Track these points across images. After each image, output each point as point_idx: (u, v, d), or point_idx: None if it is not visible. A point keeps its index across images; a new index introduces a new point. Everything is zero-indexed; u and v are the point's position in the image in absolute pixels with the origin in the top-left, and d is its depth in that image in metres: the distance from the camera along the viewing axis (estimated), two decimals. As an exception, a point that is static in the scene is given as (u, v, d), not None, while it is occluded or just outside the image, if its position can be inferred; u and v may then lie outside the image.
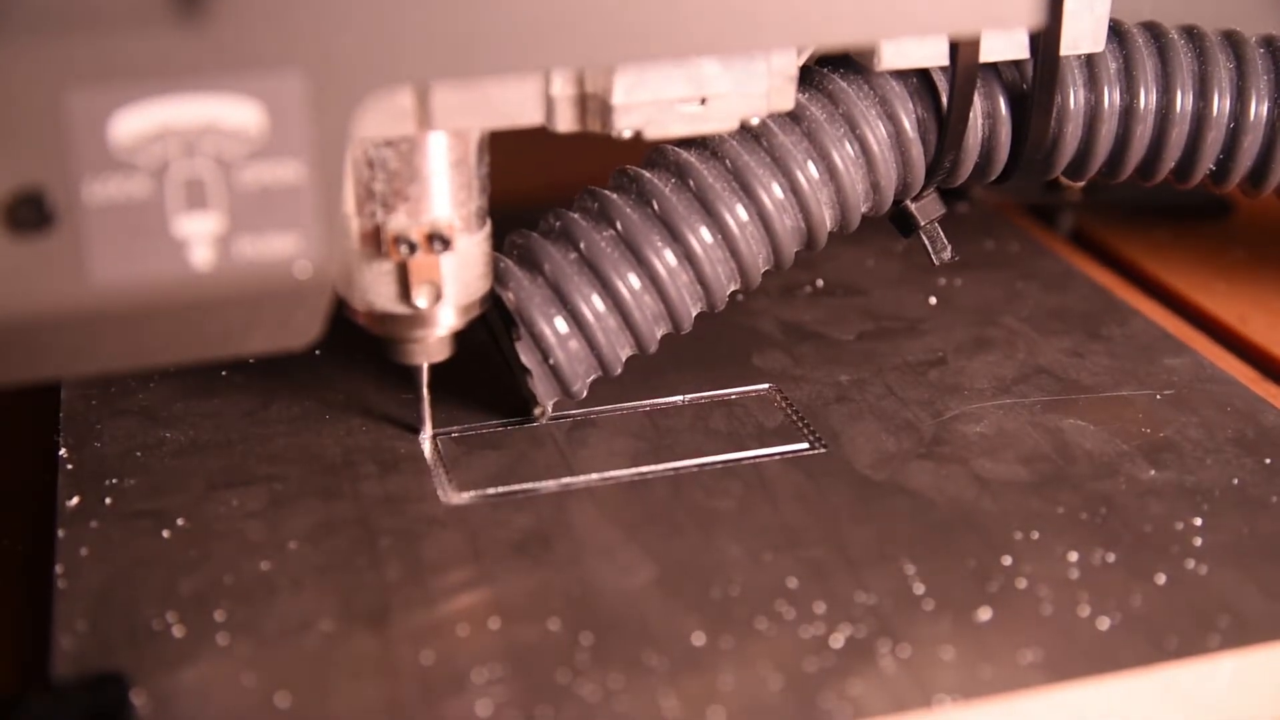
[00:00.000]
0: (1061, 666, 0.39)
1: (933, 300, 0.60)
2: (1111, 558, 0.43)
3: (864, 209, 0.50)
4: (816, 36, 0.39)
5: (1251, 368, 0.57)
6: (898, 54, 0.47)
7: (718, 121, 0.44)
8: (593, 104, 0.42)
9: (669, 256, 0.48)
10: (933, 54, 0.47)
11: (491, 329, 0.51)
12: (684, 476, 0.47)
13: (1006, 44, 0.48)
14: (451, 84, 0.40)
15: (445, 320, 0.46)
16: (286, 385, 0.52)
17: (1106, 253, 0.68)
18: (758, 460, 0.48)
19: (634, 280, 0.48)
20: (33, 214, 0.34)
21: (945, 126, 0.49)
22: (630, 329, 0.48)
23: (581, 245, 0.48)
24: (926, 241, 0.53)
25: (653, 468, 0.48)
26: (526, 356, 0.48)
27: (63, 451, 0.48)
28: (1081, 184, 0.66)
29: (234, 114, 0.35)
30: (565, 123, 0.43)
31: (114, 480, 0.47)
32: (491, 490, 0.47)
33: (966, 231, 0.66)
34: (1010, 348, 0.56)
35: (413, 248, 0.44)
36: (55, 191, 0.34)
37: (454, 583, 0.42)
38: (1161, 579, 0.42)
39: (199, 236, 0.36)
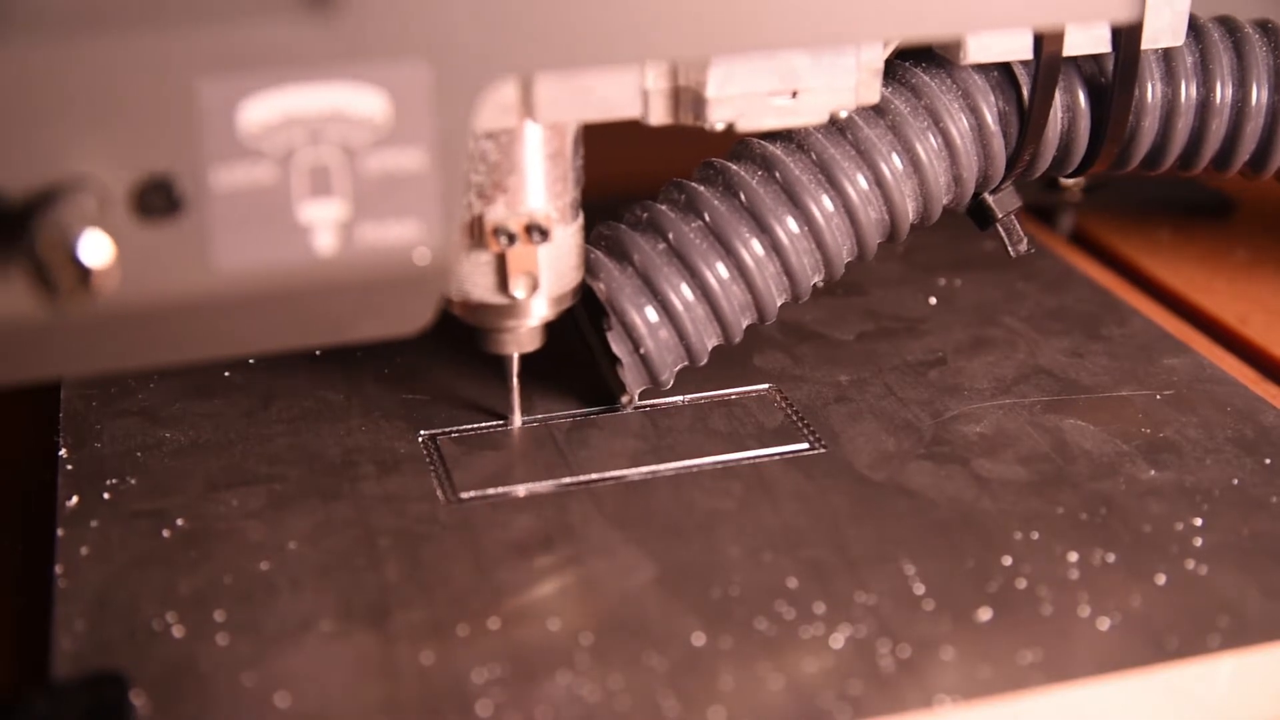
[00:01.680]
0: (1061, 666, 0.39)
1: (933, 300, 0.60)
2: (1111, 558, 0.43)
3: (945, 200, 0.51)
4: (908, 29, 0.40)
5: (1251, 368, 0.57)
6: (983, 48, 0.48)
7: (808, 114, 0.44)
8: (685, 97, 0.43)
9: (756, 247, 0.48)
10: (1017, 47, 0.48)
11: (577, 320, 0.52)
12: (684, 476, 0.47)
13: (1089, 38, 0.49)
14: (555, 76, 0.41)
15: (538, 311, 0.47)
16: (286, 385, 0.52)
17: (1106, 253, 0.68)
18: (758, 460, 0.48)
19: (722, 270, 0.48)
20: (162, 200, 0.35)
21: (1026, 119, 0.50)
22: (718, 319, 0.49)
23: (670, 236, 0.48)
24: (1003, 233, 0.53)
25: (653, 468, 0.48)
26: (617, 346, 0.49)
27: (63, 451, 0.48)
28: (1082, 184, 0.66)
29: (360, 103, 0.35)
30: (658, 115, 0.44)
31: (114, 480, 0.47)
32: (491, 490, 0.47)
33: (966, 231, 0.66)
34: (1010, 348, 0.56)
35: (511, 238, 0.44)
36: (184, 178, 0.35)
37: (454, 583, 0.42)
38: (1161, 579, 0.42)
39: (322, 223, 0.37)
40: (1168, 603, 0.41)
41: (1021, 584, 0.42)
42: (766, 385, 0.53)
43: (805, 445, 0.49)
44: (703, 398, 0.52)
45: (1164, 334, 0.57)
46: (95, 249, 0.32)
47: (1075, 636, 0.40)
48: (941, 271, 0.62)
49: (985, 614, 0.41)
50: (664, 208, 0.49)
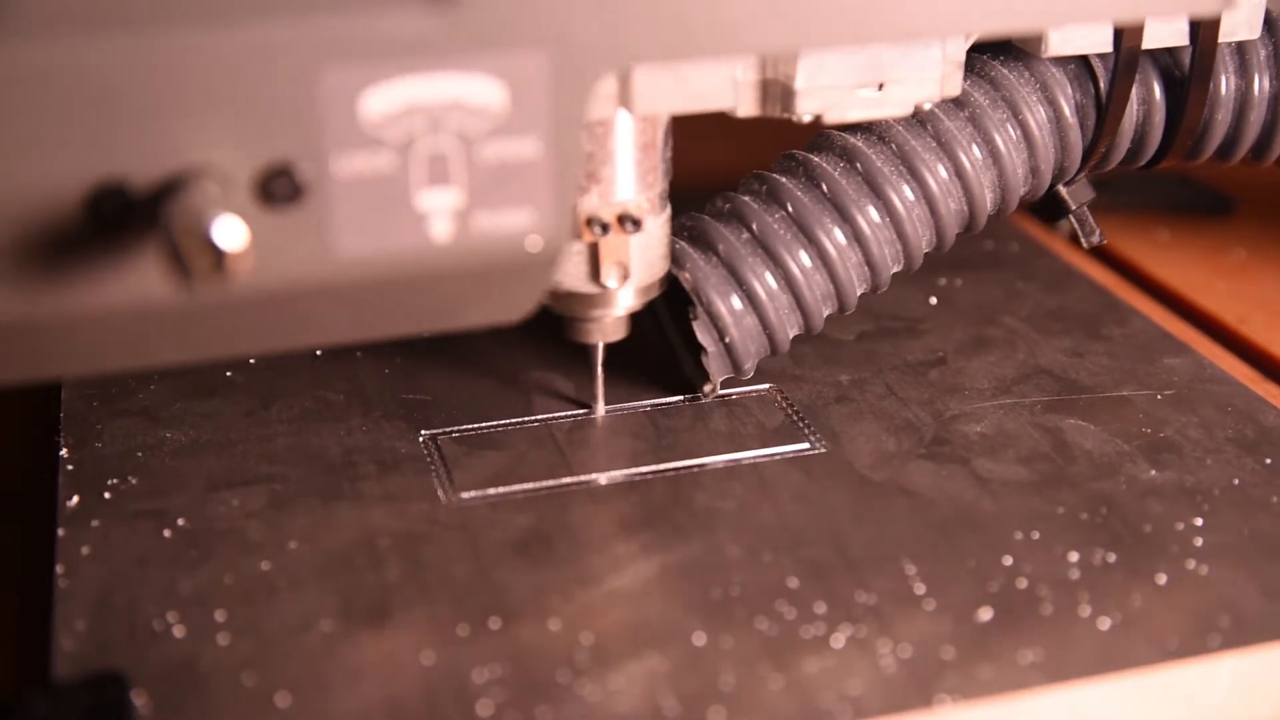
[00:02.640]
0: (1061, 666, 0.39)
1: (933, 300, 0.60)
2: (1111, 558, 0.43)
3: (1022, 191, 0.51)
4: (996, 23, 0.40)
5: (1251, 368, 0.57)
6: (1064, 40, 0.49)
7: (894, 106, 0.45)
8: (774, 89, 0.44)
9: (839, 236, 0.49)
10: (1097, 40, 0.49)
11: (655, 312, 0.53)
12: (684, 476, 0.47)
13: (1168, 31, 0.49)
14: (653, 68, 0.42)
15: (624, 301, 0.47)
16: (286, 385, 0.52)
17: (1106, 253, 0.68)
18: (758, 460, 0.48)
19: (805, 259, 0.49)
20: (285, 188, 0.35)
21: (1103, 112, 0.50)
22: (800, 308, 0.50)
23: (754, 226, 0.49)
24: (1076, 225, 0.54)
25: (653, 468, 0.48)
26: (703, 335, 0.49)
27: (63, 451, 0.48)
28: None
29: (478, 92, 0.36)
30: (746, 107, 0.44)
31: (115, 480, 0.47)
32: (491, 490, 0.47)
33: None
34: (1010, 348, 0.56)
35: (605, 228, 0.45)
36: (306, 166, 0.35)
37: (454, 583, 0.42)
38: (1161, 579, 0.42)
39: (439, 210, 0.37)
40: (1168, 603, 0.41)
41: (1022, 584, 0.42)
42: (767, 385, 0.53)
43: (805, 445, 0.49)
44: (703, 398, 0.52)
45: (1164, 334, 0.57)
46: (230, 233, 0.33)
47: (1075, 636, 0.40)
48: (941, 271, 0.62)
49: (985, 614, 0.41)
50: (747, 198, 0.50)
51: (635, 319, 0.50)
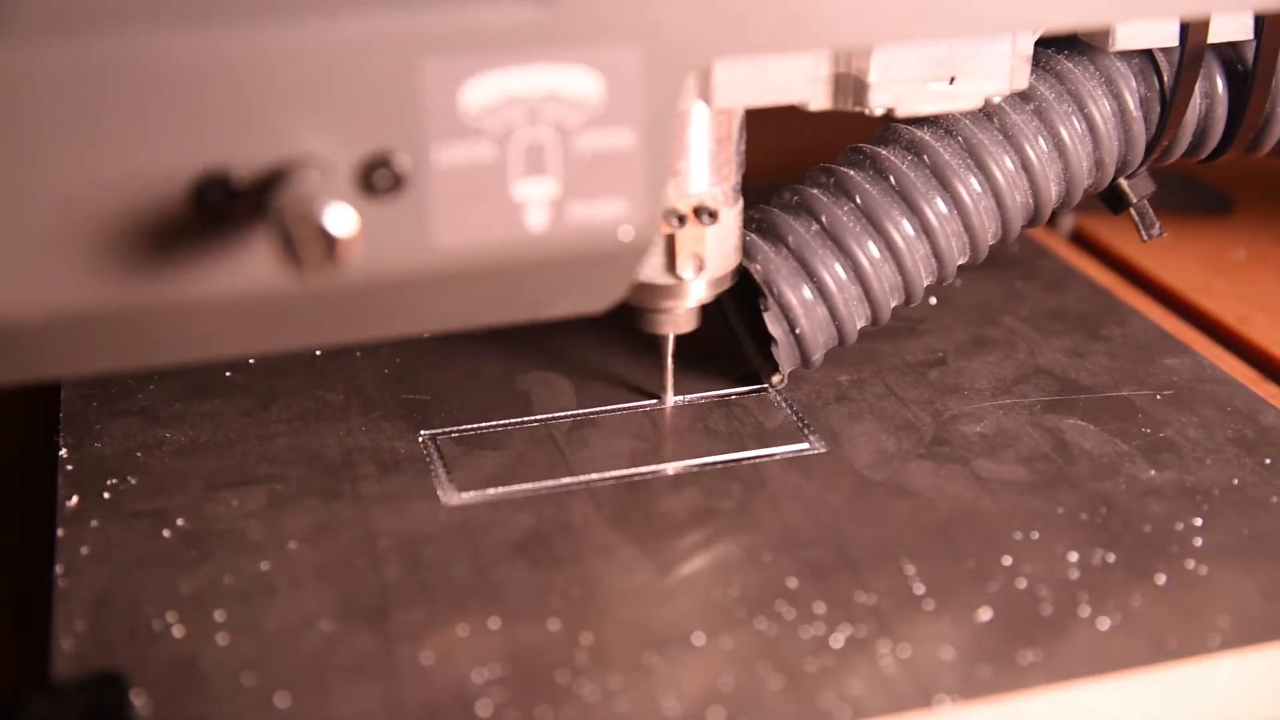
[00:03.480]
0: (1061, 666, 0.39)
1: (933, 300, 0.60)
2: (1111, 558, 0.43)
3: (1086, 184, 0.52)
4: (1068, 17, 0.41)
5: (1251, 368, 0.57)
6: (1131, 35, 0.49)
7: (964, 100, 0.46)
8: (846, 83, 0.44)
9: (907, 228, 0.50)
10: (1164, 35, 0.49)
11: (721, 304, 0.53)
12: (684, 476, 0.47)
13: (1233, 25, 0.49)
14: (734, 61, 0.42)
15: (696, 293, 0.48)
16: (286, 385, 0.52)
17: (1106, 253, 0.68)
18: (758, 460, 0.48)
19: (874, 250, 0.50)
20: (387, 178, 0.36)
21: (1167, 105, 0.50)
22: (869, 299, 0.50)
23: (823, 218, 0.50)
24: (1137, 218, 0.54)
25: (653, 468, 0.48)
26: (774, 326, 0.50)
27: (63, 451, 0.48)
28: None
29: (576, 84, 0.37)
30: (819, 101, 0.44)
31: (114, 480, 0.47)
32: (491, 490, 0.47)
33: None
34: (1010, 348, 0.56)
35: (682, 220, 0.46)
36: (406, 156, 0.36)
37: (454, 583, 0.42)
38: (1161, 579, 0.42)
39: (536, 200, 0.38)
40: (1168, 603, 0.41)
41: (1021, 584, 0.42)
42: (767, 385, 0.53)
43: (805, 445, 0.49)
44: (703, 398, 0.52)
45: (1164, 334, 0.57)
46: (342, 220, 0.33)
47: (1075, 636, 0.40)
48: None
49: (985, 614, 0.41)
50: (815, 191, 0.51)
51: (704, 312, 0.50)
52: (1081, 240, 0.70)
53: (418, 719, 0.37)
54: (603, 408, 0.51)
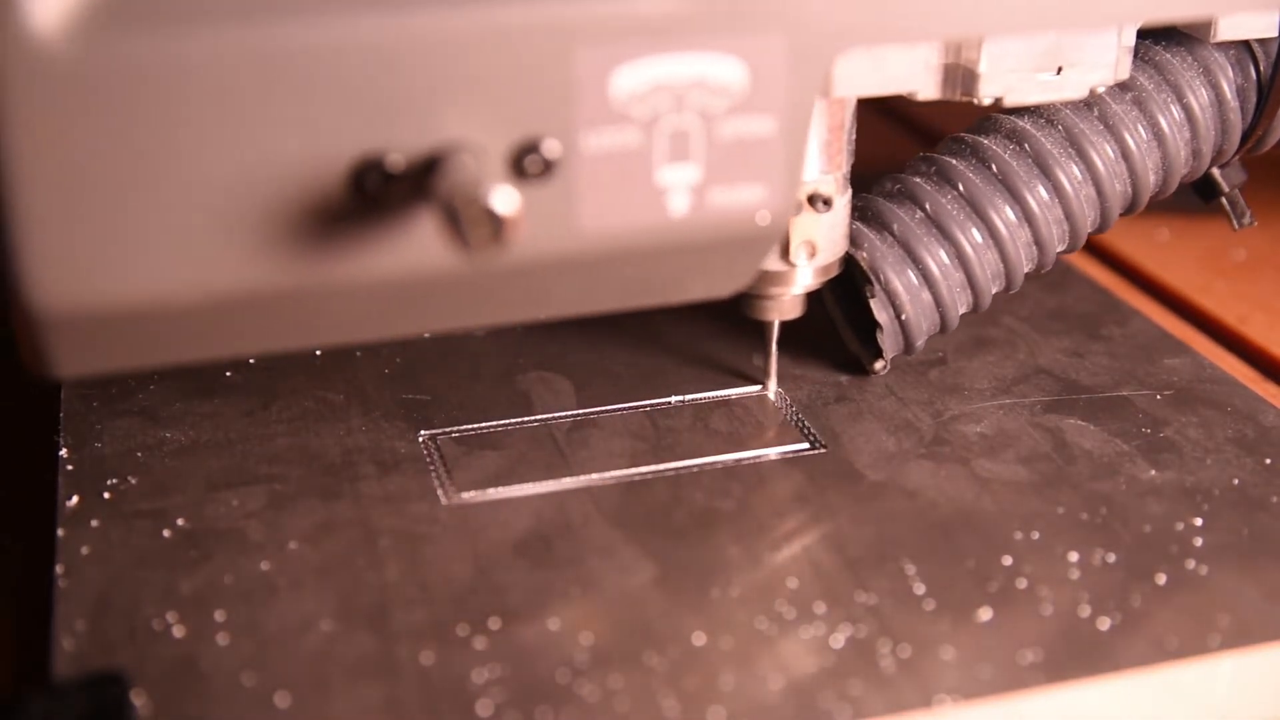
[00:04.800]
0: (1061, 666, 0.39)
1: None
2: (1111, 558, 0.43)
3: (1184, 173, 0.52)
4: (1174, 9, 0.42)
5: (1251, 368, 0.57)
6: (1232, 26, 0.49)
7: (1070, 90, 0.46)
8: (955, 73, 0.45)
9: (1010, 214, 0.50)
10: (1265, 26, 0.49)
11: (820, 292, 0.53)
12: (684, 476, 0.47)
13: None
14: (853, 52, 0.43)
15: (803, 279, 0.49)
16: (286, 385, 0.52)
17: (1106, 253, 0.68)
18: (758, 460, 0.48)
19: (977, 236, 0.50)
20: (537, 163, 0.36)
21: (1263, 95, 0.51)
22: (971, 285, 0.51)
23: (927, 205, 0.50)
24: (1228, 206, 0.55)
25: (653, 468, 0.48)
26: (880, 312, 0.50)
27: (63, 451, 0.48)
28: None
29: (721, 71, 0.37)
30: (929, 91, 0.45)
31: (114, 480, 0.47)
32: (491, 490, 0.47)
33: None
34: (1010, 348, 0.56)
35: (798, 207, 0.46)
36: (556, 142, 0.37)
37: (454, 583, 0.42)
38: (1161, 579, 0.42)
39: (679, 186, 0.39)
40: (1168, 603, 0.41)
41: (1022, 584, 0.42)
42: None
43: (805, 445, 0.49)
44: (703, 398, 0.52)
45: (1164, 334, 0.57)
46: (507, 200, 0.34)
47: (1075, 636, 0.40)
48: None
49: (985, 614, 0.41)
50: (918, 180, 0.51)
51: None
52: (1081, 240, 0.70)
53: (418, 719, 0.37)
54: (603, 408, 0.51)
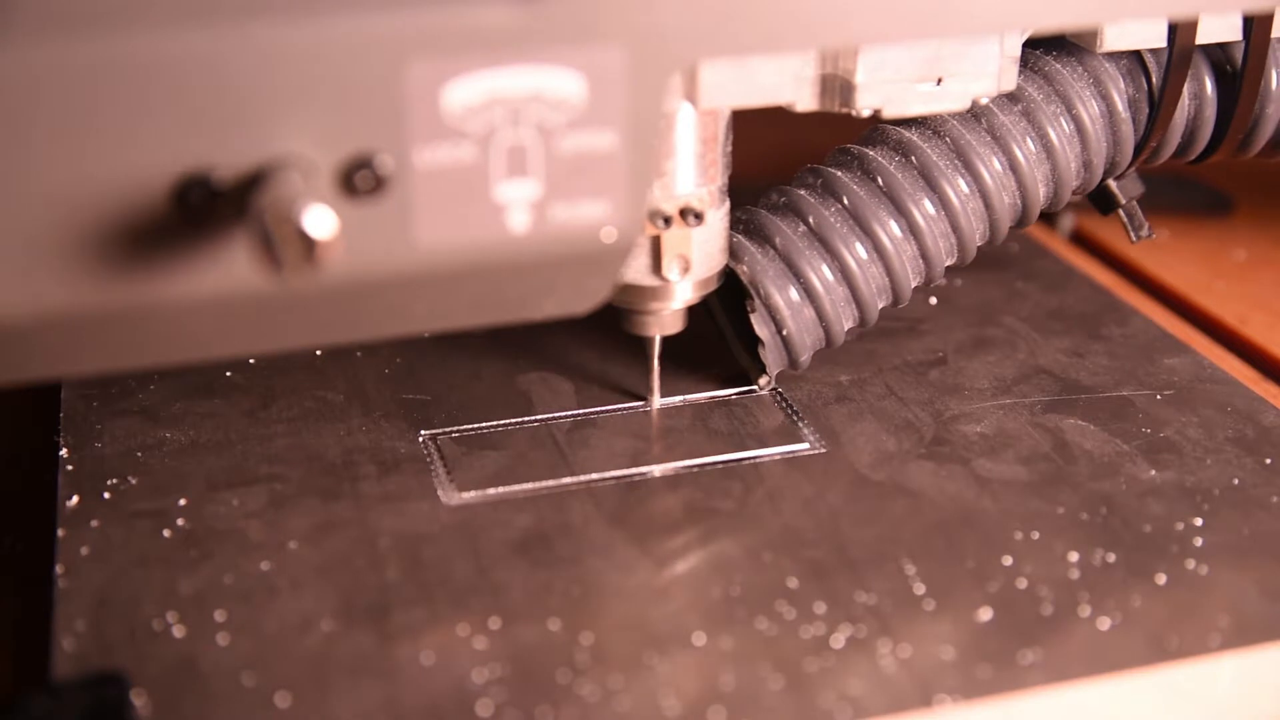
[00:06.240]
0: (1061, 666, 0.39)
1: (933, 300, 0.60)
2: (1111, 558, 0.43)
3: (1074, 185, 0.52)
4: (1057, 18, 0.41)
5: (1251, 368, 0.57)
6: (1119, 35, 0.49)
7: (952, 101, 0.45)
8: (833, 84, 0.44)
9: (894, 229, 0.49)
10: (1152, 36, 0.49)
11: (709, 305, 0.53)
12: (684, 476, 0.47)
13: (1221, 26, 0.49)
14: (720, 62, 0.42)
15: (683, 294, 0.48)
16: (286, 385, 0.52)
17: (1106, 253, 0.68)
18: (758, 460, 0.48)
19: (861, 251, 0.49)
20: (368, 179, 0.36)
21: (1155, 106, 0.50)
22: (856, 300, 0.50)
23: (810, 219, 0.50)
24: (1125, 219, 0.55)
25: (653, 468, 0.48)
26: (761, 327, 0.50)
27: (63, 451, 0.48)
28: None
29: (559, 85, 0.37)
30: (806, 102, 0.44)
31: (114, 480, 0.47)
32: (491, 490, 0.47)
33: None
34: (1010, 348, 0.56)
35: (667, 221, 0.46)
36: (388, 157, 0.36)
37: (454, 583, 0.42)
38: (1161, 579, 0.42)
39: (518, 202, 0.38)
40: (1168, 603, 0.41)
41: (1022, 584, 0.42)
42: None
43: (805, 445, 0.49)
44: (703, 398, 0.52)
45: (1164, 334, 0.57)
46: (321, 222, 0.33)
47: (1075, 636, 0.40)
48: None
49: (985, 614, 0.41)
50: (802, 192, 0.50)
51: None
52: (1081, 240, 0.70)
53: (418, 719, 0.37)
54: (603, 408, 0.51)
